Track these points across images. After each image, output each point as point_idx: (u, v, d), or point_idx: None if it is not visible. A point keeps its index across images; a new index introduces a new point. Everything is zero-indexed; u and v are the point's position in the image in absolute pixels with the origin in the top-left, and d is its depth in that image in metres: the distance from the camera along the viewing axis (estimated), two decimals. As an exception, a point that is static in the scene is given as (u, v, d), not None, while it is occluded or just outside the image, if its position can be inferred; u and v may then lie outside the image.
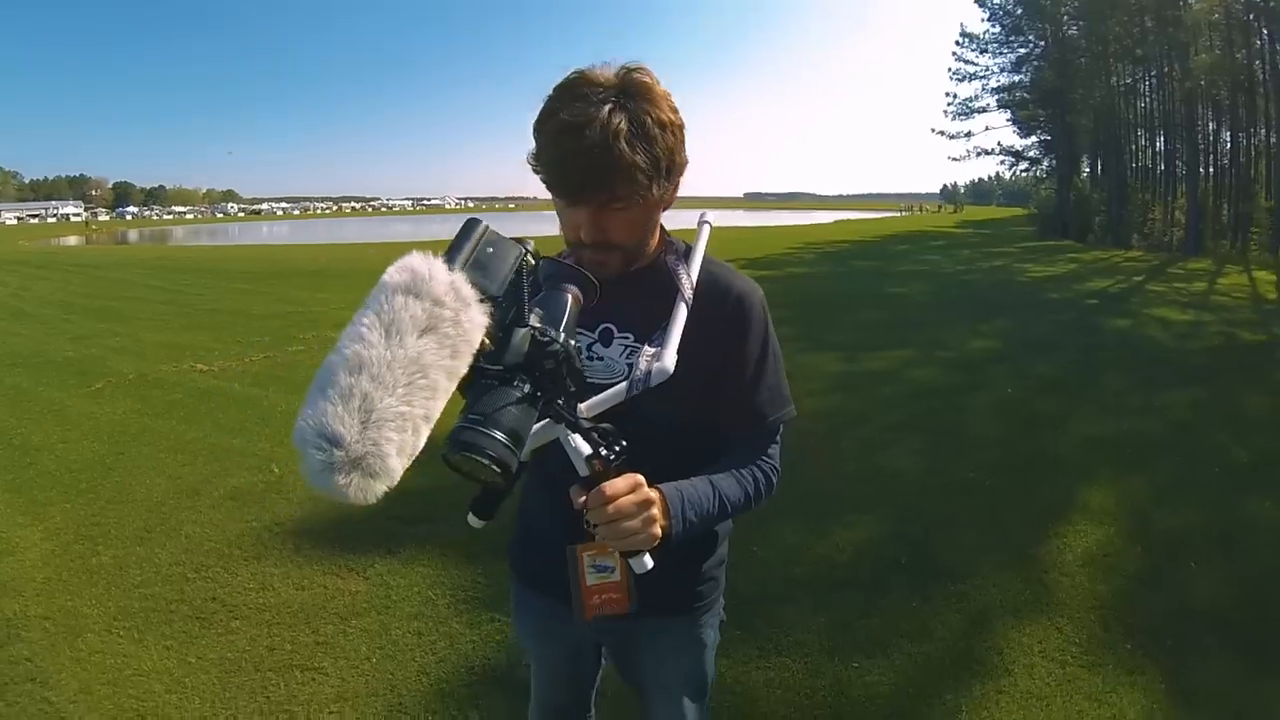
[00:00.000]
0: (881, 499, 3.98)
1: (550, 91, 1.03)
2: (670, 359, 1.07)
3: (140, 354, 7.99)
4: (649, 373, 1.07)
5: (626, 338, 1.18)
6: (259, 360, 7.52)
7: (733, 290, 1.21)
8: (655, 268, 1.20)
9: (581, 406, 1.00)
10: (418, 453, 0.71)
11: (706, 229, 1.26)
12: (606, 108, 0.98)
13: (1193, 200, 25.40)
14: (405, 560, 3.41)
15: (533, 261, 0.86)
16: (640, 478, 0.98)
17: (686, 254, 1.22)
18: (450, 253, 0.80)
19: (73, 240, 47.70)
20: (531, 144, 1.07)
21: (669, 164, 1.05)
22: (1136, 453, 4.85)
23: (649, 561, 1.01)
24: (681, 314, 1.12)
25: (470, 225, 0.83)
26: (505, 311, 0.83)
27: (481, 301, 0.76)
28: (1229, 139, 26.90)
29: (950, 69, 34.71)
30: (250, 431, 5.24)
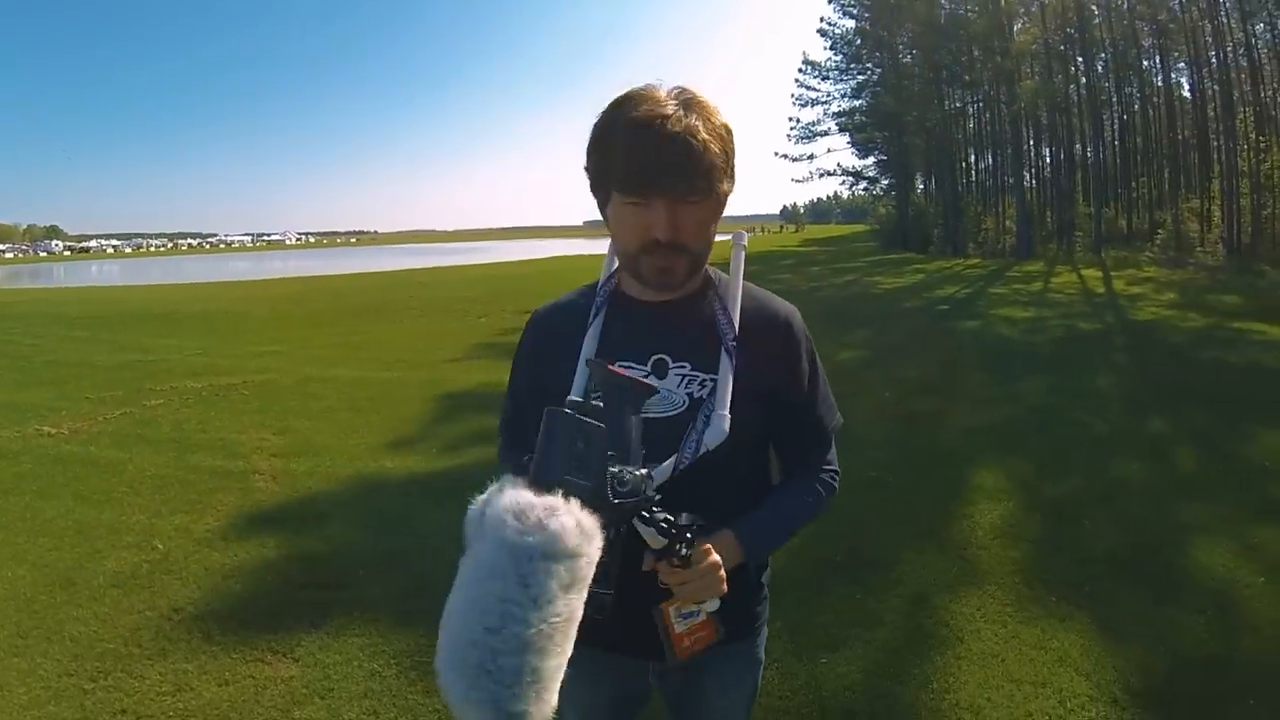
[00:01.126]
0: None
1: (606, 106, 1.11)
2: (724, 422, 1.10)
3: (-11, 410, 6.94)
4: (700, 439, 1.10)
5: (683, 366, 1.18)
6: (115, 418, 6.61)
7: (779, 316, 1.25)
8: (703, 294, 1.22)
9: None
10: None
11: (742, 254, 1.25)
12: (675, 108, 1.05)
13: (1021, 209, 28.60)
14: (335, 632, 3.08)
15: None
16: (706, 547, 1.07)
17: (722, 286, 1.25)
18: (545, 462, 0.84)
19: None
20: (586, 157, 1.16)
21: (732, 164, 1.11)
22: (1012, 436, 5.48)
23: (717, 601, 1.11)
24: (726, 369, 1.14)
25: (552, 420, 0.86)
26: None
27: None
28: (1049, 153, 30.88)
29: (793, 95, 37.37)
30: (120, 502, 4.51)
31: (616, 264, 1.24)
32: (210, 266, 52.93)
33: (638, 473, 0.92)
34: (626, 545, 0.97)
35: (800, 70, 37.06)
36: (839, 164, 40.00)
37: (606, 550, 0.82)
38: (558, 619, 0.74)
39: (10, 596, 3.50)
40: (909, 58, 33.61)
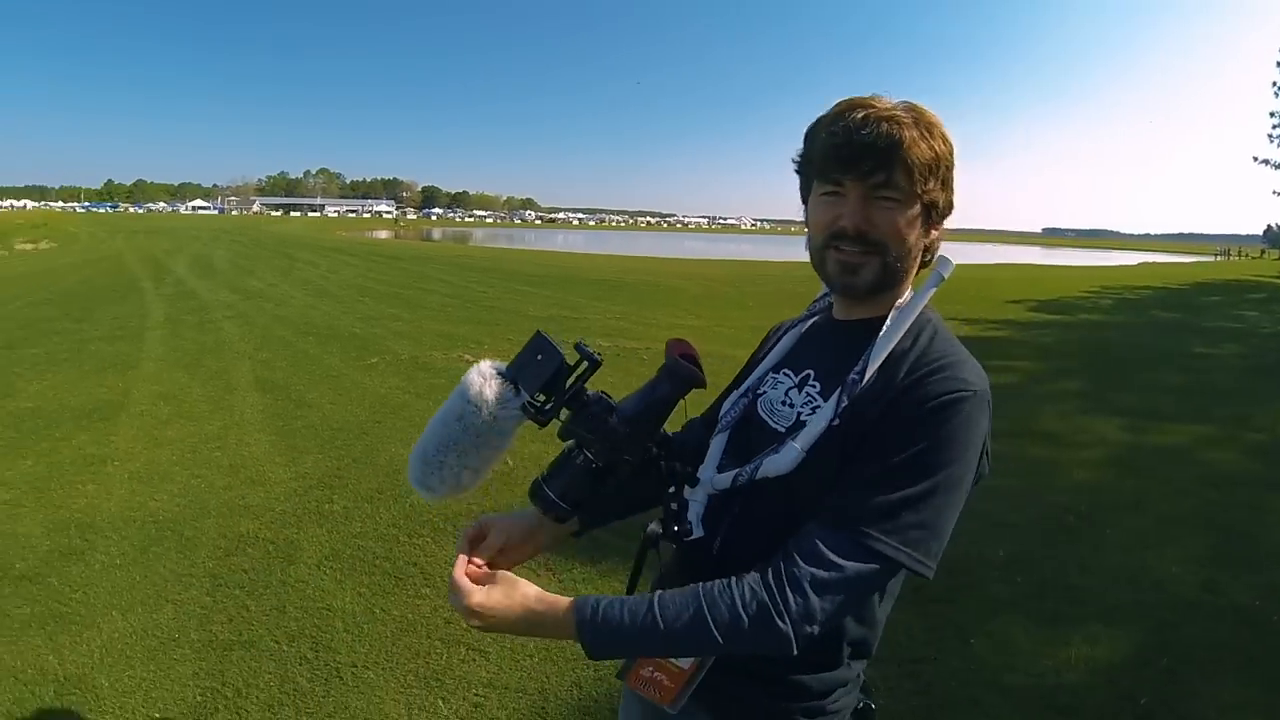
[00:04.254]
0: (1137, 611, 3.34)
1: None
2: (794, 455, 1.08)
3: (417, 339, 9.37)
4: (762, 462, 1.11)
5: (815, 387, 1.16)
6: (522, 354, 8.48)
7: (928, 374, 1.04)
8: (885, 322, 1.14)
9: (703, 476, 1.21)
10: (474, 485, 1.15)
11: (931, 288, 1.13)
12: (891, 104, 1.07)
13: None
14: (604, 571, 3.54)
15: (574, 364, 1.11)
16: (497, 573, 1.12)
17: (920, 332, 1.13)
18: (516, 356, 1.13)
19: (383, 234, 57.31)
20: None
21: (946, 175, 1.09)
22: None
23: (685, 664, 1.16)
24: (830, 404, 1.08)
25: (535, 340, 1.13)
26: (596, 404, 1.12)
27: (518, 395, 1.10)
28: None
29: (1276, 83, 28.54)
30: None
31: None
32: (662, 243, 60.58)
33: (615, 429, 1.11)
34: (598, 481, 1.13)
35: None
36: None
37: (573, 466, 1.12)
38: (451, 433, 1.10)
39: (386, 465, 4.89)
40: None
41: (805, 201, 1.18)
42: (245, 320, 10.38)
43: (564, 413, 1.11)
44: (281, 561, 3.56)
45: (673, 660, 1.17)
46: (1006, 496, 4.52)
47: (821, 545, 1.00)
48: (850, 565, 0.99)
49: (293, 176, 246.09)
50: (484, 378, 1.10)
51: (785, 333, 1.33)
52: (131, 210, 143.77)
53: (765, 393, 1.23)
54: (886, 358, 1.07)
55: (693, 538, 1.16)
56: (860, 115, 1.03)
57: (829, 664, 1.17)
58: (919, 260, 1.15)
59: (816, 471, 1.06)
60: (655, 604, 1.01)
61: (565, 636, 1.03)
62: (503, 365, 1.13)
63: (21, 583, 3.32)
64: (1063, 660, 2.94)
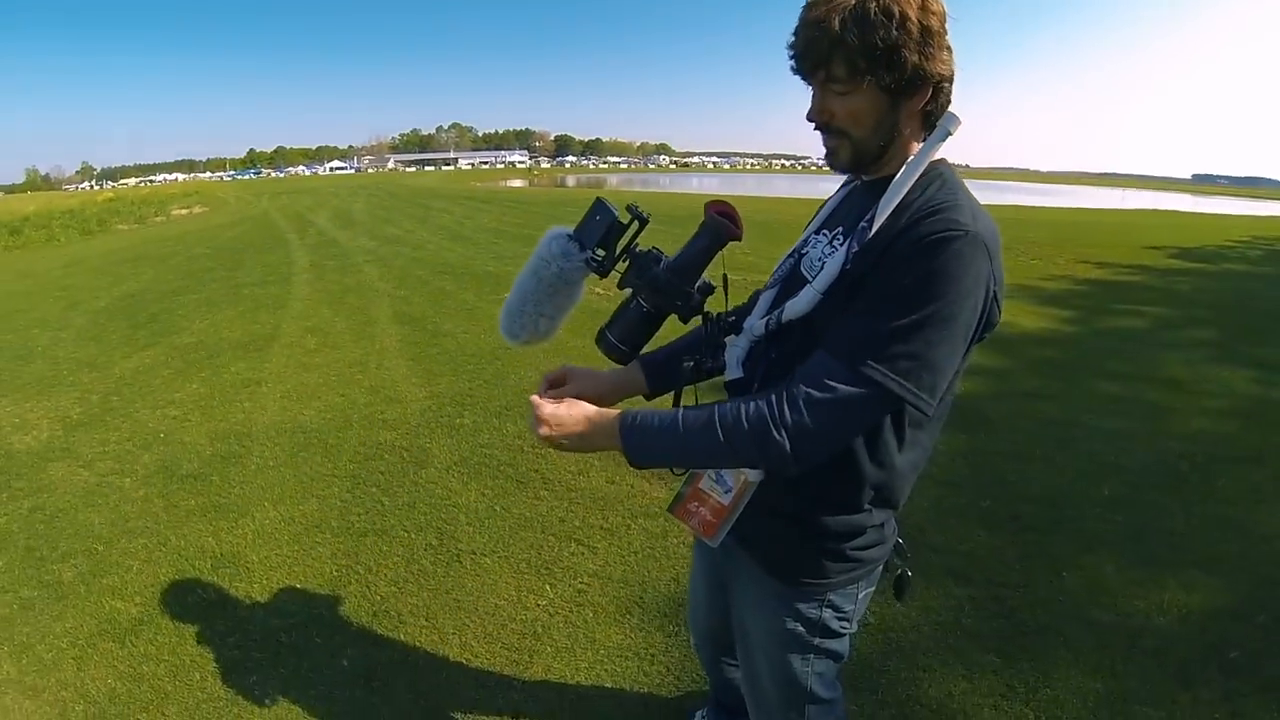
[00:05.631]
0: (1240, 564, 3.11)
1: None
2: (812, 297, 1.20)
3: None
4: (784, 306, 1.25)
5: (840, 240, 1.25)
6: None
7: (928, 215, 1.09)
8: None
9: (747, 325, 1.36)
10: (551, 331, 1.39)
11: (935, 145, 1.17)
12: None
13: None
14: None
15: (626, 222, 1.30)
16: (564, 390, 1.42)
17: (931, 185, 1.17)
18: (579, 224, 1.33)
19: (517, 183, 58.78)
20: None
21: (890, 58, 1.10)
22: None
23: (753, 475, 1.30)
24: (841, 249, 1.20)
25: (594, 203, 1.32)
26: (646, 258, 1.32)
27: (581, 251, 1.30)
28: None
29: None
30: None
31: None
32: (797, 185, 59.41)
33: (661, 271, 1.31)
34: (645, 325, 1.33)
35: None
36: None
37: (628, 312, 1.32)
38: (528, 287, 1.34)
39: (515, 385, 5.28)
40: None
41: None
42: (384, 263, 11.04)
43: (622, 267, 1.31)
44: (414, 465, 3.90)
45: (714, 494, 1.33)
46: (1118, 438, 4.29)
47: (818, 369, 1.11)
48: (842, 388, 1.08)
49: (425, 132, 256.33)
50: (553, 238, 1.31)
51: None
52: (273, 175, 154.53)
53: (808, 252, 1.32)
54: (898, 206, 1.14)
55: (732, 378, 1.34)
56: (802, 15, 1.14)
57: (849, 506, 1.28)
58: (913, 129, 1.20)
59: (833, 311, 1.17)
60: (680, 413, 1.19)
61: (613, 446, 1.22)
62: (570, 229, 1.32)
63: (188, 480, 3.80)
64: (1154, 603, 2.80)
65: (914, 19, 1.08)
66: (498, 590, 2.84)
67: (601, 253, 1.31)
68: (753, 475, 1.28)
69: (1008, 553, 3.10)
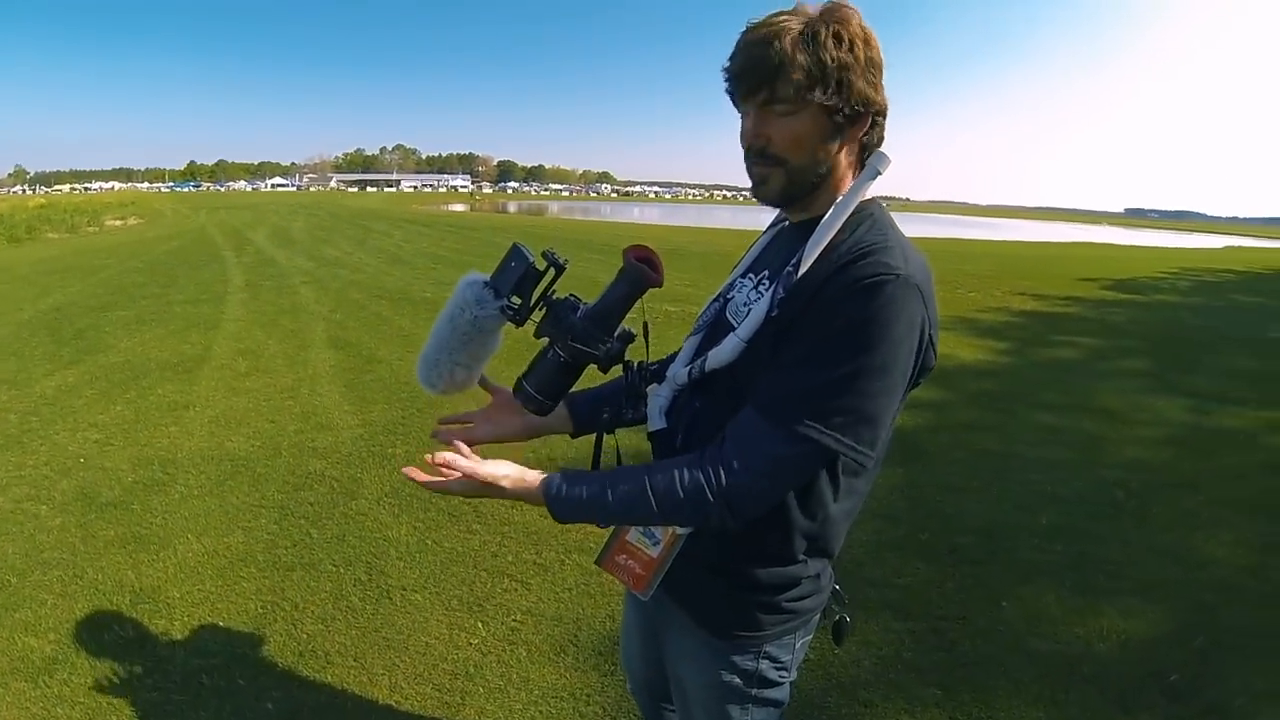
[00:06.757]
0: (1177, 590, 3.24)
1: None
2: (735, 346, 1.16)
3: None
4: (706, 358, 1.21)
5: (765, 286, 1.22)
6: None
7: (856, 260, 1.04)
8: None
9: (670, 373, 1.32)
10: (469, 381, 1.35)
11: (866, 184, 1.15)
12: (787, 16, 1.09)
13: None
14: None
15: (543, 269, 1.23)
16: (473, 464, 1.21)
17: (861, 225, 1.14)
18: (495, 271, 1.28)
19: (458, 207, 58.40)
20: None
21: (840, 78, 1.08)
22: None
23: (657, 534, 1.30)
24: (766, 295, 1.15)
25: (510, 249, 1.27)
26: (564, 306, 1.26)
27: (497, 299, 1.24)
28: None
29: None
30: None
31: None
32: (737, 216, 60.51)
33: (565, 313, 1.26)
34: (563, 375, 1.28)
35: None
36: None
37: (545, 362, 1.27)
38: (444, 335, 1.28)
39: (449, 412, 4.84)
40: None
41: None
42: (321, 285, 10.83)
43: (539, 315, 1.25)
44: (344, 496, 3.80)
45: (642, 547, 1.30)
46: (1055, 468, 4.46)
47: (750, 430, 1.07)
48: (776, 449, 1.05)
49: (369, 153, 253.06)
50: (468, 285, 1.26)
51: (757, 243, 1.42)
52: (213, 189, 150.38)
53: (733, 296, 1.30)
54: (825, 250, 1.10)
55: (655, 429, 1.30)
56: (744, 37, 1.10)
57: (783, 558, 1.23)
58: (848, 163, 1.17)
59: (758, 359, 1.13)
60: (607, 483, 1.14)
61: (536, 503, 1.18)
62: (486, 275, 1.26)
63: (108, 509, 3.63)
64: (1093, 631, 2.90)
65: (860, 46, 1.09)
66: (428, 628, 2.77)
67: (517, 300, 1.25)
68: (681, 528, 1.25)
69: (947, 585, 3.16)
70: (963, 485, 4.16)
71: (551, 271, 1.23)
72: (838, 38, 1.07)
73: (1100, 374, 7.02)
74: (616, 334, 1.24)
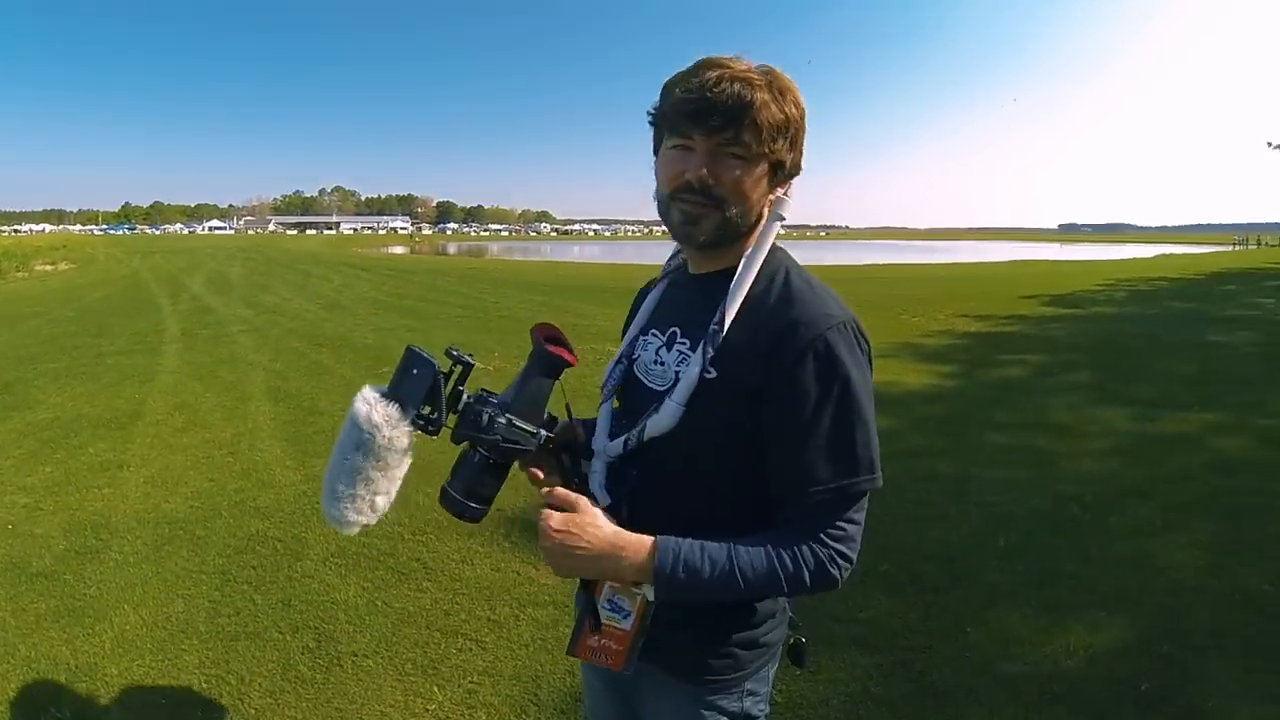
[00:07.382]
0: (1140, 598, 3.35)
1: None
2: (673, 412, 1.14)
3: (430, 346, 9.37)
4: (646, 424, 1.17)
5: (685, 344, 1.21)
6: (530, 363, 8.65)
7: (793, 314, 1.11)
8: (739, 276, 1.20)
9: (597, 446, 1.28)
10: (388, 507, 1.20)
11: (773, 228, 1.19)
12: (746, 67, 1.11)
13: None
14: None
15: (448, 370, 1.16)
16: (581, 500, 1.13)
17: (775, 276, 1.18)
18: (394, 376, 1.18)
19: (399, 249, 57.99)
20: None
21: (794, 136, 1.13)
22: None
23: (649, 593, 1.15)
24: (696, 357, 1.14)
25: (406, 355, 1.18)
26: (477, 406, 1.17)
27: (405, 413, 1.13)
28: None
29: None
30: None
31: None
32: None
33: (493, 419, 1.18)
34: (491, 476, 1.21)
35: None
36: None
37: (471, 465, 1.19)
38: (348, 464, 1.13)
39: None
40: None
41: (656, 154, 1.21)
42: (259, 333, 10.58)
43: (453, 419, 1.18)
44: (289, 558, 3.69)
45: (613, 623, 1.23)
46: (1010, 488, 4.57)
47: (820, 510, 1.11)
48: (858, 514, 1.12)
49: (308, 195, 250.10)
50: (369, 404, 1.14)
51: (645, 295, 1.40)
52: (148, 231, 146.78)
53: (639, 356, 1.29)
54: (748, 304, 1.13)
55: (602, 506, 1.23)
56: (714, 74, 1.08)
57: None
58: (763, 216, 1.19)
59: (700, 423, 1.13)
60: (733, 558, 1.08)
61: (630, 578, 1.12)
62: (384, 387, 1.16)
63: (38, 579, 3.46)
64: (1061, 648, 2.97)
65: (801, 108, 1.13)
66: (382, 696, 2.69)
67: (428, 409, 1.15)
68: (650, 593, 1.18)
69: (910, 615, 3.18)
70: (919, 513, 4.23)
71: (458, 369, 1.17)
72: (796, 100, 1.12)
73: (1048, 390, 7.26)
74: (542, 423, 1.20)
